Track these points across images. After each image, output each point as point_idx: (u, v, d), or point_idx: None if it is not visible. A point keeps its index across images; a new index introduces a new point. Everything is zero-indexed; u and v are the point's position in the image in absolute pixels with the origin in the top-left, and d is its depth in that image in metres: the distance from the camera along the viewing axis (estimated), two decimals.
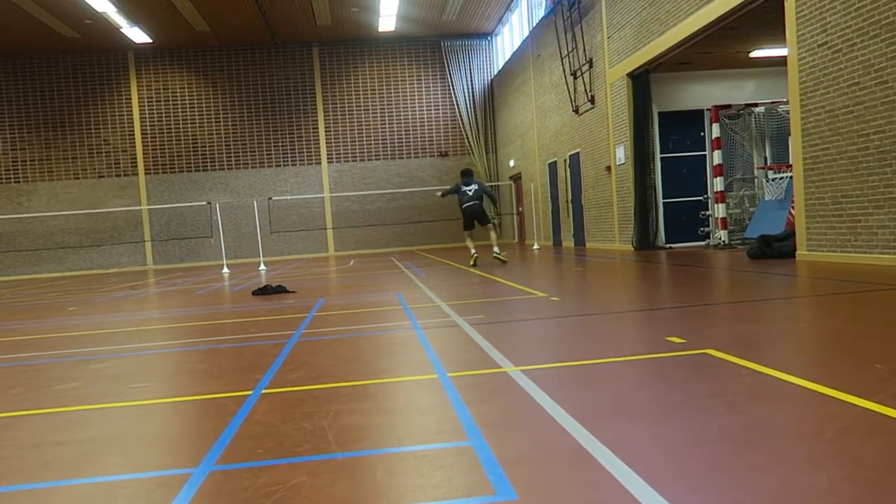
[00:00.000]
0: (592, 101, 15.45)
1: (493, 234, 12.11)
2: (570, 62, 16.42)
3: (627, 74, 13.49)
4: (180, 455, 2.43)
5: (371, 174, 24.85)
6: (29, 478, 2.23)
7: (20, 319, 7.97)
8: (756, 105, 13.15)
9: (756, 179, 13.27)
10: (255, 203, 20.44)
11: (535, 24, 19.65)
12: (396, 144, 25.20)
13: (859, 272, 6.74)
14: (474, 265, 11.61)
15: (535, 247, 18.15)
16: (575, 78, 16.30)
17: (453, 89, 25.25)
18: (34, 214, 22.04)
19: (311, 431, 2.50)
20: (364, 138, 25.07)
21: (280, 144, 24.70)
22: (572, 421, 2.41)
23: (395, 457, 2.21)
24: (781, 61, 10.38)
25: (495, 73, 25.30)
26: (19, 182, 23.81)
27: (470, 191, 11.98)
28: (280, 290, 8.94)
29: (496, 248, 11.92)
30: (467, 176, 12.20)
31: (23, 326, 7.12)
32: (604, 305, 5.71)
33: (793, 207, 9.74)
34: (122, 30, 21.12)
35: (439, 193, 12.99)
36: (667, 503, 1.69)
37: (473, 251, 11.90)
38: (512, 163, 23.75)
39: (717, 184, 12.40)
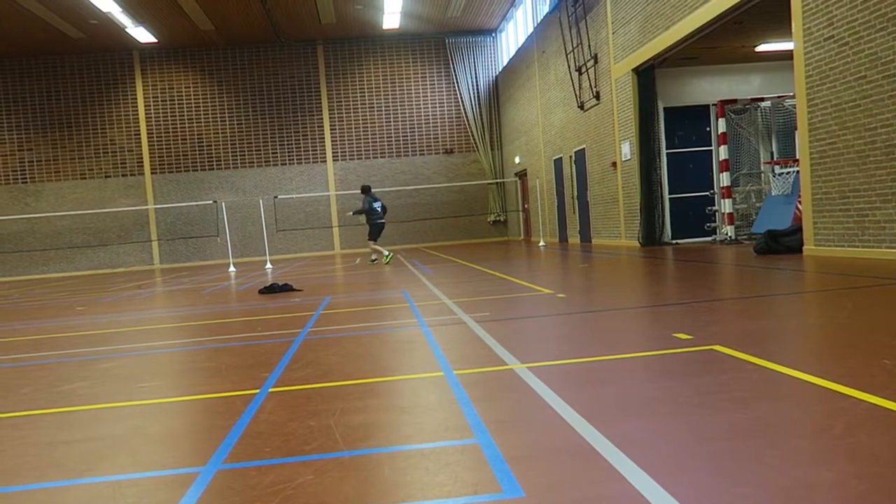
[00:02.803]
0: (597, 96, 15.41)
1: (377, 247, 14.59)
2: (574, 58, 16.38)
3: (633, 70, 13.44)
4: (188, 454, 2.44)
5: (376, 172, 24.85)
6: (41, 477, 2.25)
7: (29, 319, 8.02)
8: (762, 100, 13.09)
9: (763, 174, 13.21)
10: (260, 201, 20.47)
11: (539, 20, 19.60)
12: (401, 142, 25.19)
13: (867, 267, 6.71)
14: (388, 262, 14.00)
15: (541, 243, 18.13)
16: (580, 74, 16.25)
17: (458, 86, 25.21)
18: (41, 214, 22.15)
19: (317, 429, 2.51)
20: (369, 136, 25.06)
21: (285, 143, 24.73)
22: (579, 418, 2.41)
23: (402, 454, 2.21)
24: (787, 55, 10.33)
25: (500, 69, 25.24)
26: (26, 182, 23.92)
27: (378, 207, 14.47)
28: (286, 288, 8.97)
29: (375, 256, 14.74)
30: (372, 193, 14.62)
31: (32, 326, 7.16)
32: (610, 302, 5.70)
33: (800, 202, 9.69)
34: (127, 30, 21.17)
35: (350, 213, 15.48)
36: (673, 500, 1.69)
37: (386, 252, 14.18)
38: (517, 159, 23.71)
39: (724, 179, 12.36)
